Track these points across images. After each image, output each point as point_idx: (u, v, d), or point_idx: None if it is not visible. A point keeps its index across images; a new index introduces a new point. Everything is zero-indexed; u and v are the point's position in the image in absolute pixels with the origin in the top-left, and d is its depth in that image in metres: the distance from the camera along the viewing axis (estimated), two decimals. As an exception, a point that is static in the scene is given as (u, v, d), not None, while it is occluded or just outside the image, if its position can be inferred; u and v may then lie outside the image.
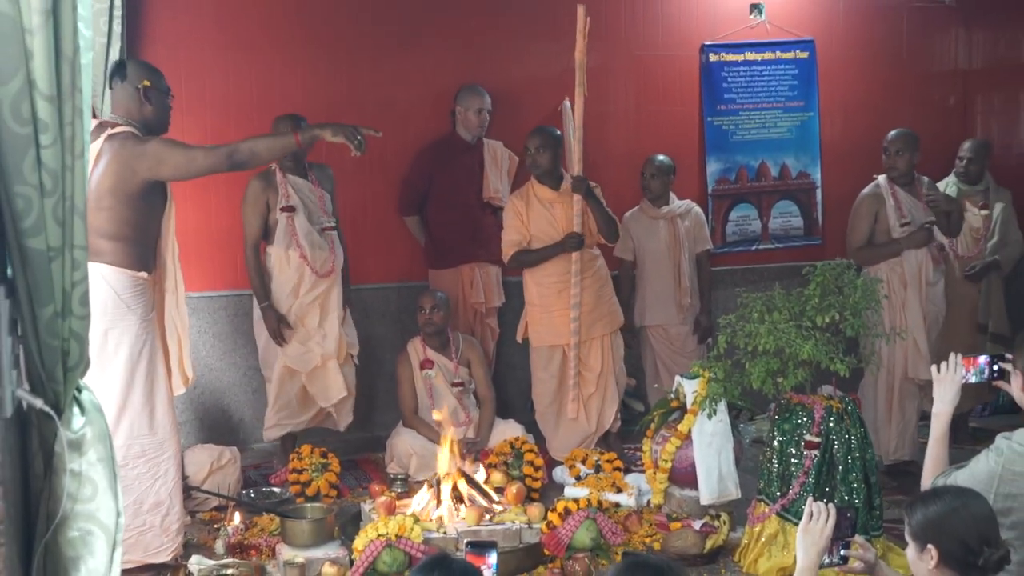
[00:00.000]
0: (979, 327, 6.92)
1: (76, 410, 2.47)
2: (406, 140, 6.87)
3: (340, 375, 6.12)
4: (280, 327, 6.06)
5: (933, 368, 3.78)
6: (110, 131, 4.68)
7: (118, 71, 4.88)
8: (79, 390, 2.49)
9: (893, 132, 6.31)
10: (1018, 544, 3.34)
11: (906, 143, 6.20)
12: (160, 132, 4.90)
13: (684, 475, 5.14)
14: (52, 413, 2.38)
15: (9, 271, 2.33)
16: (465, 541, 4.41)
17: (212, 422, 6.75)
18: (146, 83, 4.85)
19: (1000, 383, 3.67)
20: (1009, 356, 3.60)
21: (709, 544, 4.85)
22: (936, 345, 6.08)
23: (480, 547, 3.76)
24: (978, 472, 3.40)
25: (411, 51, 6.92)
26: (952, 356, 3.73)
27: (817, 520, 3.25)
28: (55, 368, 2.39)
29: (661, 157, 6.87)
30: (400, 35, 6.91)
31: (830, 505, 3.30)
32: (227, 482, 5.67)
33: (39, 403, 2.37)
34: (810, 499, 3.42)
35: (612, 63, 7.33)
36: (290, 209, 6.00)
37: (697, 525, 4.92)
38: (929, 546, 2.99)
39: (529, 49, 7.16)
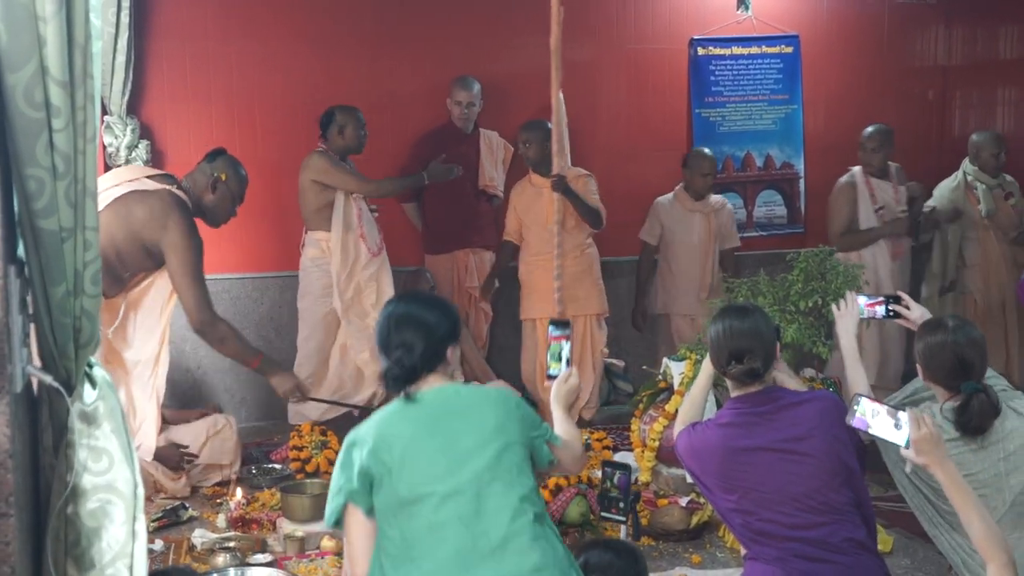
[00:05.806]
0: None
1: (88, 385, 2.47)
2: (404, 129, 6.95)
3: None
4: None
5: (833, 307, 4.06)
6: (174, 188, 4.77)
7: (217, 152, 5.03)
8: (90, 366, 2.50)
9: (869, 129, 6.43)
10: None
11: (882, 141, 6.39)
12: (209, 222, 5.04)
13: (671, 454, 5.06)
14: (61, 388, 2.39)
15: (22, 251, 2.35)
16: (548, 320, 4.50)
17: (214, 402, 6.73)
18: (223, 176, 4.93)
19: (900, 320, 3.97)
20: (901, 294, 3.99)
21: (695, 520, 4.88)
22: None
23: (561, 325, 3.70)
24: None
25: (409, 44, 6.98)
26: (848, 294, 4.04)
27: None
28: (67, 345, 2.39)
29: (709, 152, 6.94)
30: (399, 28, 6.96)
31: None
32: (225, 448, 5.56)
33: (48, 379, 2.38)
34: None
35: (604, 57, 7.40)
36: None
37: (683, 502, 4.98)
38: None
39: (523, 42, 7.18)
